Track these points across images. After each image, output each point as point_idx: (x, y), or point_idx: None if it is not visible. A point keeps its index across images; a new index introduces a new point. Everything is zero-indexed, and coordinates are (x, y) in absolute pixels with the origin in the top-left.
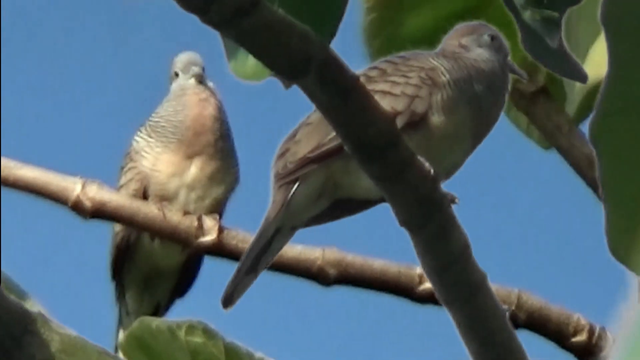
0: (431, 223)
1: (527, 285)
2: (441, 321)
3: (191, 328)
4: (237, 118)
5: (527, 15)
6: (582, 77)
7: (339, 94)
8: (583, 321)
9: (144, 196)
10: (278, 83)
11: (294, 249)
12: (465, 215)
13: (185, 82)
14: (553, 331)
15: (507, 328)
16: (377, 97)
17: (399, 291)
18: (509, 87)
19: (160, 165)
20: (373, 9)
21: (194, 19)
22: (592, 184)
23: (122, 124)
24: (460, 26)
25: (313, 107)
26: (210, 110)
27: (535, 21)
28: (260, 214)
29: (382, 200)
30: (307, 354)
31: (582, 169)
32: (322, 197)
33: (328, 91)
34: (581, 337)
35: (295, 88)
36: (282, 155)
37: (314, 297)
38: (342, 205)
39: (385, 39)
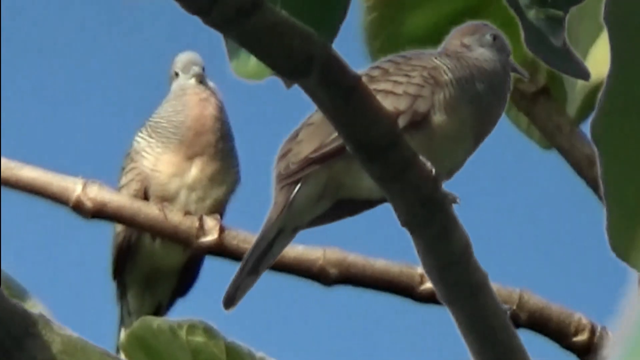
0: (432, 223)
1: (528, 285)
2: (442, 321)
3: (192, 328)
4: (238, 118)
5: (531, 14)
6: (585, 75)
7: (340, 94)
8: (584, 321)
9: (145, 197)
10: (279, 82)
11: (295, 249)
12: (466, 215)
13: (186, 82)
14: (554, 331)
15: (509, 328)
16: (379, 96)
17: (400, 291)
18: (511, 86)
19: (161, 165)
20: (374, 8)
21: (195, 19)
22: (592, 184)
23: (123, 124)
24: (463, 26)
25: (314, 107)
26: (210, 110)
27: (539, 20)
28: (261, 214)
29: (383, 200)
30: (308, 354)
31: (582, 169)
32: (325, 198)
33: (330, 91)
34: (582, 337)
35: (296, 87)
36: (284, 155)
37: (315, 297)
38: (344, 206)
39: (386, 38)
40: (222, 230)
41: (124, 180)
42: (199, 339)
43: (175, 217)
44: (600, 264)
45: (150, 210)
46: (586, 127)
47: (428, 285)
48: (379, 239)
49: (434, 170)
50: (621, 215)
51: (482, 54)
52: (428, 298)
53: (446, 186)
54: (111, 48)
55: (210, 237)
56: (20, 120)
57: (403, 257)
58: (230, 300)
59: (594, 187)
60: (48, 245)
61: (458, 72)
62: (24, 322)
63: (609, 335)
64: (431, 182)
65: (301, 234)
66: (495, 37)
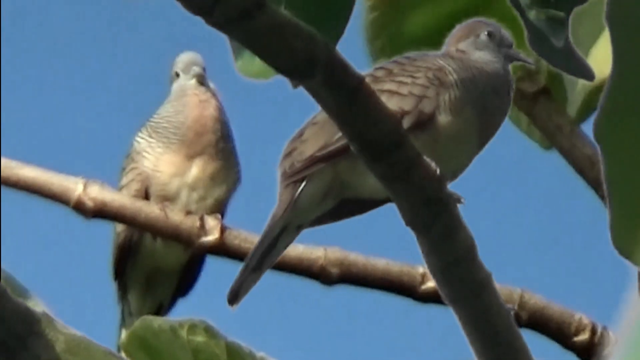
0: (437, 223)
1: (528, 284)
2: (443, 320)
3: (193, 327)
4: (239, 117)
5: (532, 14)
6: (589, 76)
7: (344, 95)
8: (585, 320)
9: (146, 197)
10: (282, 82)
11: (296, 249)
12: (466, 214)
13: (186, 83)
14: (555, 330)
15: (512, 328)
16: (384, 97)
17: (401, 290)
18: (513, 86)
19: (162, 165)
20: (375, 7)
21: (197, 19)
22: (593, 184)
23: (124, 125)
24: (456, 30)
25: (318, 106)
26: (211, 111)
27: (541, 21)
28: (262, 214)
29: (388, 200)
30: (309, 354)
31: (583, 169)
32: (329, 197)
33: (334, 92)
34: (583, 337)
35: (299, 87)
36: (288, 154)
37: (316, 296)
38: (349, 205)
39: (387, 38)
40: (223, 229)
41: (124, 180)
42: (199, 338)
43: (176, 216)
44: (601, 263)
45: (151, 210)
46: (587, 127)
47: (429, 285)
48: (380, 238)
49: (438, 170)
50: (624, 213)
51: (479, 58)
52: (429, 298)
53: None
54: (112, 48)
55: (212, 236)
56: (21, 120)
57: (404, 257)
58: (234, 297)
59: (595, 187)
60: (49, 245)
61: (462, 74)
62: (27, 321)
63: (610, 335)
64: (436, 182)
65: (302, 233)
66: (490, 34)
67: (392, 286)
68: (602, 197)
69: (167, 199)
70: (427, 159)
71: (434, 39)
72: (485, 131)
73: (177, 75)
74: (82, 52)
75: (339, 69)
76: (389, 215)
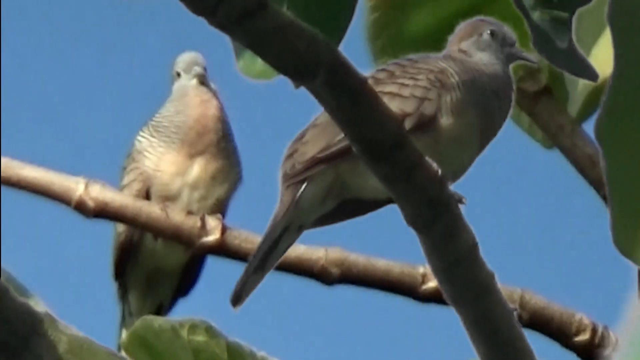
0: (439, 223)
1: (529, 284)
2: (444, 320)
3: (194, 327)
4: (240, 117)
5: (536, 15)
6: (592, 76)
7: (347, 96)
8: (586, 320)
9: (147, 196)
10: (284, 82)
11: (297, 249)
12: (467, 214)
13: (187, 83)
14: (555, 330)
15: (515, 328)
16: (385, 99)
17: (402, 290)
18: (514, 87)
19: (163, 165)
20: (376, 8)
21: (199, 19)
22: (594, 184)
23: (125, 124)
24: (459, 29)
25: (320, 107)
26: (212, 110)
27: (545, 21)
28: (263, 214)
29: (389, 201)
30: (309, 354)
31: (584, 168)
32: (330, 198)
33: (336, 93)
34: (584, 336)
35: (301, 88)
36: (290, 155)
37: (316, 296)
38: (350, 206)
39: (388, 38)
40: (224, 230)
41: (125, 180)
42: (200, 338)
43: (177, 216)
44: (602, 263)
45: (152, 210)
46: (588, 127)
47: (430, 285)
48: (380, 238)
49: (440, 171)
50: (625, 213)
51: (481, 59)
52: (430, 298)
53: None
54: (114, 48)
55: (212, 236)
56: (21, 119)
57: (405, 257)
58: (237, 298)
59: (596, 187)
60: (50, 245)
61: (464, 76)
62: (30, 321)
63: (611, 335)
64: (437, 183)
65: (303, 234)
66: (493, 33)
67: (393, 286)
68: (603, 196)
69: (169, 198)
70: (429, 160)
71: (435, 39)
72: (486, 132)
73: (178, 75)
74: (83, 52)
75: (341, 70)
76: (390, 215)
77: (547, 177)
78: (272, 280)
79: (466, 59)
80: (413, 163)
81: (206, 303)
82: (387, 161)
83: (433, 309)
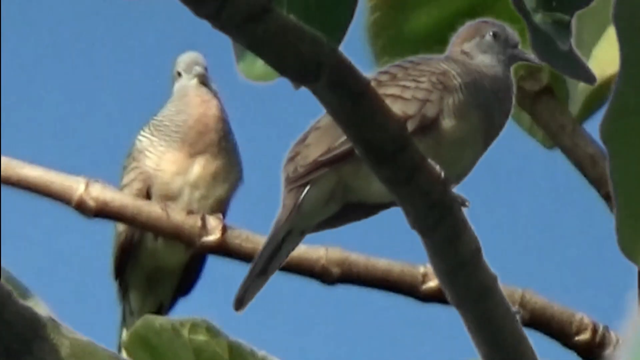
0: (442, 226)
1: (530, 284)
2: (445, 319)
3: (195, 326)
4: (241, 117)
5: (537, 18)
6: (591, 79)
7: (349, 99)
8: (586, 320)
9: (147, 196)
10: (284, 83)
11: (297, 249)
12: (468, 214)
13: (188, 82)
14: (556, 330)
15: (518, 331)
16: (388, 101)
17: (402, 290)
18: (514, 90)
19: (164, 164)
20: (377, 7)
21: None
22: (595, 183)
23: (126, 124)
24: (462, 30)
25: (322, 109)
26: (213, 110)
27: (546, 24)
28: (263, 214)
29: (392, 204)
30: (310, 353)
31: (585, 168)
32: (333, 201)
33: (339, 96)
34: (584, 336)
35: (301, 89)
36: (292, 158)
37: (317, 296)
38: (353, 209)
39: (389, 38)
40: (224, 229)
41: (126, 179)
42: (201, 337)
43: (177, 216)
44: (602, 263)
45: (152, 210)
46: (589, 126)
47: (430, 284)
48: (381, 238)
49: (442, 174)
50: (630, 215)
51: (482, 61)
52: (430, 297)
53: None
54: (115, 47)
55: (213, 236)
56: (22, 119)
57: (406, 256)
58: (240, 302)
59: (597, 186)
60: (50, 244)
61: (466, 77)
62: (33, 325)
63: (612, 334)
64: (440, 185)
65: None
66: (495, 34)
67: (394, 286)
68: (604, 196)
69: (169, 198)
70: (432, 162)
71: (435, 39)
72: (488, 134)
73: (179, 75)
74: (84, 51)
75: (344, 72)
76: (390, 214)
77: (548, 177)
78: (273, 279)
79: (468, 60)
80: (416, 165)
81: (207, 302)
82: (389, 164)
83: (434, 308)
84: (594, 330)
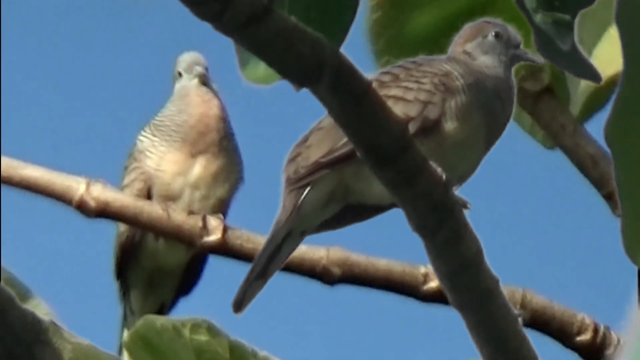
0: (443, 228)
1: (530, 284)
2: (446, 320)
3: (196, 326)
4: (242, 117)
5: (538, 18)
6: (596, 78)
7: (351, 100)
8: (587, 320)
9: (148, 196)
10: (286, 84)
11: (298, 249)
12: (468, 214)
13: (189, 82)
14: (557, 330)
15: (520, 333)
16: (389, 102)
17: (403, 290)
18: (515, 91)
19: (165, 164)
20: (377, 7)
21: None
22: (596, 183)
23: (126, 124)
24: (464, 30)
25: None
26: (214, 110)
27: (546, 24)
28: (264, 215)
29: (393, 205)
30: (311, 353)
31: (586, 168)
32: (333, 202)
33: (340, 97)
34: (585, 336)
35: (303, 90)
36: (293, 159)
37: (318, 296)
38: (354, 211)
39: (390, 37)
40: (225, 229)
41: (127, 179)
42: (202, 337)
43: (178, 216)
44: (603, 263)
45: (153, 210)
46: (590, 126)
47: (431, 284)
48: (382, 238)
49: (444, 176)
50: (636, 218)
51: (484, 62)
52: (431, 297)
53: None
54: (115, 47)
55: (214, 236)
56: (23, 119)
57: (406, 257)
58: (239, 304)
59: (598, 186)
60: (51, 245)
61: (469, 79)
62: (34, 329)
63: (613, 335)
64: (442, 188)
65: None
66: (497, 35)
67: (394, 286)
68: (605, 196)
69: (170, 198)
70: (433, 165)
71: (436, 38)
72: (490, 136)
73: (180, 75)
74: (85, 52)
75: (346, 74)
76: (391, 215)
77: (549, 177)
78: (274, 279)
79: (470, 61)
80: (417, 168)
81: (208, 302)
82: (391, 166)
83: (435, 308)
84: (595, 331)
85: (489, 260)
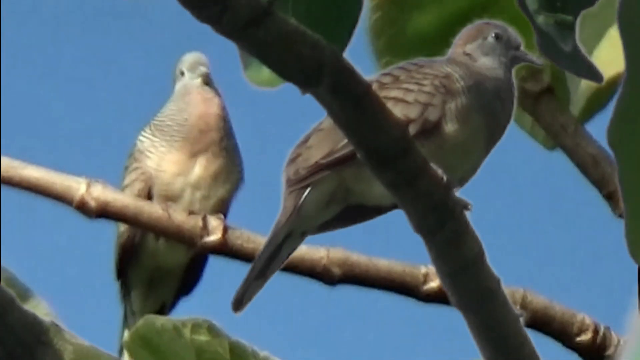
0: (444, 230)
1: (531, 284)
2: (446, 320)
3: (196, 326)
4: (242, 117)
5: (540, 19)
6: (598, 78)
7: (351, 102)
8: (588, 321)
9: (149, 196)
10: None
11: (299, 249)
12: (470, 215)
13: (191, 82)
14: (557, 330)
15: (521, 334)
16: (390, 104)
17: (403, 290)
18: (516, 92)
19: (165, 164)
20: (378, 7)
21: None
22: (597, 184)
23: (127, 124)
24: (464, 31)
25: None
26: (215, 109)
27: (549, 25)
28: (265, 215)
29: (394, 206)
30: (311, 354)
31: (587, 168)
32: (333, 203)
33: (340, 99)
34: (586, 337)
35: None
36: (293, 160)
37: (318, 296)
38: (354, 212)
39: (391, 37)
40: (225, 230)
41: (127, 180)
42: (203, 337)
43: (178, 216)
44: (604, 263)
45: (153, 210)
46: (590, 126)
47: (432, 284)
48: (382, 238)
49: (445, 177)
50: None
51: (484, 63)
52: (432, 297)
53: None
54: (116, 47)
55: (214, 236)
56: (23, 119)
57: (407, 257)
58: (238, 304)
59: (599, 186)
60: (51, 245)
61: (469, 81)
62: (35, 330)
63: (613, 335)
64: (442, 189)
65: None
66: (498, 36)
67: (395, 286)
68: (606, 196)
69: (170, 198)
70: (434, 166)
71: (437, 38)
72: (491, 138)
73: (182, 74)
74: (85, 51)
75: (346, 76)
76: (391, 215)
77: (550, 177)
78: (274, 280)
79: (470, 62)
80: (418, 169)
81: (208, 302)
82: (391, 167)
83: (435, 308)
84: (595, 331)
85: (489, 259)
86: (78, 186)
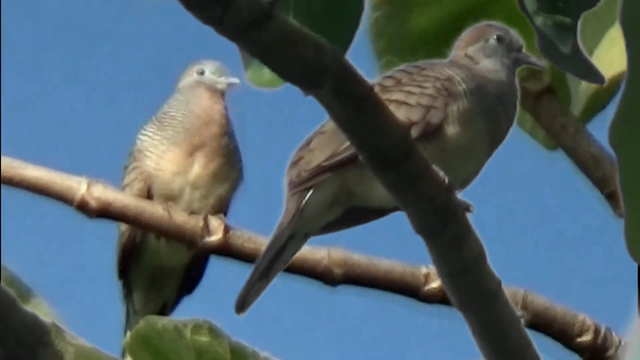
0: (446, 231)
1: (532, 285)
2: (447, 320)
3: (197, 327)
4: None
5: (539, 20)
6: (599, 79)
7: (353, 105)
8: (588, 321)
9: (148, 195)
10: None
11: (300, 249)
12: (470, 215)
13: (202, 78)
14: (558, 331)
15: (523, 334)
16: (392, 107)
17: (404, 291)
18: (518, 95)
19: (164, 163)
20: (378, 7)
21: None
22: (598, 183)
23: (127, 124)
24: (466, 33)
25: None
26: (219, 106)
27: (548, 27)
28: (265, 215)
29: (396, 208)
30: (312, 354)
31: (588, 168)
32: (336, 205)
33: (342, 101)
34: (586, 338)
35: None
36: (296, 162)
37: (319, 297)
38: (356, 214)
39: (391, 37)
40: (226, 230)
41: (127, 179)
42: (203, 338)
43: (179, 216)
44: (605, 264)
45: (154, 210)
46: (591, 126)
47: (432, 285)
48: (383, 239)
49: (447, 179)
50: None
51: (486, 66)
52: (433, 298)
53: None
54: (116, 48)
55: (215, 236)
56: (23, 119)
57: (408, 258)
58: (241, 305)
59: (600, 186)
60: (52, 245)
61: (471, 83)
62: (36, 331)
63: (614, 336)
64: (444, 191)
65: None
66: (499, 38)
67: (396, 287)
68: (607, 196)
69: (170, 197)
70: (436, 169)
71: (437, 38)
72: (493, 140)
73: (201, 73)
74: (86, 51)
75: (348, 78)
76: (392, 215)
77: (550, 177)
78: (275, 280)
79: (472, 65)
80: (420, 172)
81: (209, 303)
82: (393, 170)
83: (436, 309)
84: (596, 332)
85: (490, 262)
86: (79, 186)
